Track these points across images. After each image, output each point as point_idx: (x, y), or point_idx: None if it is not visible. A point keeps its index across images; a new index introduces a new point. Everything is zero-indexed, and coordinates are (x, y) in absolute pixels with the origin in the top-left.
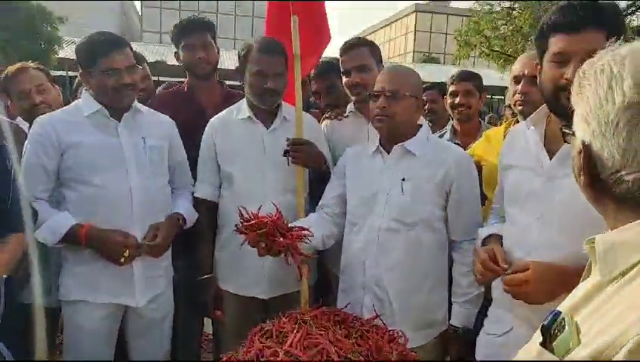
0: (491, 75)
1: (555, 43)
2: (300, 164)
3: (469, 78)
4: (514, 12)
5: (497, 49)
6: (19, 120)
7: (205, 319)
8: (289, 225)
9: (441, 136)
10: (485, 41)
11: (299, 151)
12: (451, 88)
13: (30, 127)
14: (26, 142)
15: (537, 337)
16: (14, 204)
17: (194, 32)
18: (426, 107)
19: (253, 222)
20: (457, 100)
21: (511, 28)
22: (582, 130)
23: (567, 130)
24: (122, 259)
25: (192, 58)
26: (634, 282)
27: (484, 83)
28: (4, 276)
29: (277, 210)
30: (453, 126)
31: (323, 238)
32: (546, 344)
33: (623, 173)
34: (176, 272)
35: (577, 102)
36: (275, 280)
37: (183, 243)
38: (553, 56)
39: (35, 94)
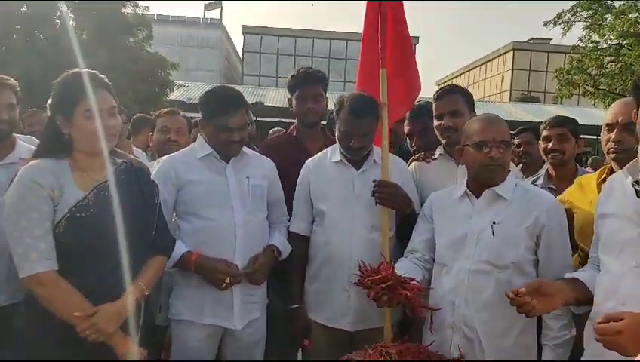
0: (597, 115)
1: None
2: (385, 204)
3: (563, 123)
4: (622, 49)
5: (604, 87)
6: (135, 150)
7: None
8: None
9: (535, 181)
10: (590, 80)
11: (384, 192)
12: (544, 133)
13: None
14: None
15: None
16: (158, 231)
17: (307, 84)
18: (521, 149)
19: (376, 277)
20: (550, 146)
21: (619, 65)
22: None
23: None
24: (223, 285)
25: (302, 107)
26: None
27: (589, 123)
28: (147, 293)
29: (387, 262)
30: (547, 171)
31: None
32: None
33: None
34: (270, 302)
35: None
36: (360, 313)
37: (277, 274)
38: None
39: (173, 133)
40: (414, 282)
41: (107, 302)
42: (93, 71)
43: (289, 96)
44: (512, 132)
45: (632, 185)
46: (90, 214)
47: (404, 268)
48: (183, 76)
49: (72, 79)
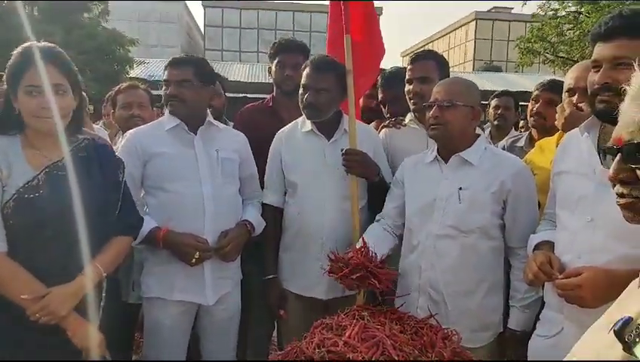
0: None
1: (594, 51)
2: (353, 173)
3: (555, 88)
4: (581, 16)
5: (563, 55)
6: (97, 128)
7: None
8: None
9: (515, 142)
10: (550, 47)
11: (352, 161)
12: (535, 93)
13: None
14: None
15: (612, 343)
16: (123, 210)
17: (287, 52)
18: (499, 112)
19: (346, 270)
20: (536, 108)
21: (578, 32)
22: None
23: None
24: (193, 260)
25: (280, 75)
26: None
27: None
28: (104, 275)
29: (364, 243)
30: (530, 133)
31: (387, 254)
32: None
33: None
34: (245, 276)
35: None
36: (333, 282)
37: (252, 247)
38: (591, 63)
39: (135, 108)
40: (381, 263)
41: (60, 284)
42: (49, 44)
43: (269, 65)
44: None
45: (599, 151)
46: (39, 195)
47: (375, 235)
48: (143, 53)
49: (20, 51)
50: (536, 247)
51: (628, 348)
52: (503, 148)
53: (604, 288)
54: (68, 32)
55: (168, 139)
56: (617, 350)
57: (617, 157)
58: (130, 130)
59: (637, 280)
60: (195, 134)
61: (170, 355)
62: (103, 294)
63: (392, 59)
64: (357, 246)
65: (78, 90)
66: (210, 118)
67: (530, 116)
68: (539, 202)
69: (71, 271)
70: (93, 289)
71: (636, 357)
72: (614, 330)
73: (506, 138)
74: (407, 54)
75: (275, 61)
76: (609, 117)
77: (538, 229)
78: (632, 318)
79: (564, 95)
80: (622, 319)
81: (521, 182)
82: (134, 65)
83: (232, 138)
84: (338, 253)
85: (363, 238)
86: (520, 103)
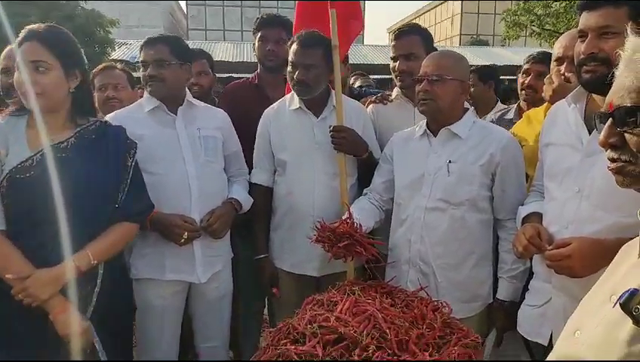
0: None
1: (580, 21)
2: (341, 150)
3: (545, 60)
4: None
5: (549, 27)
6: None
7: None
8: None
9: (504, 114)
10: (536, 20)
11: (339, 138)
12: (525, 67)
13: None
14: None
15: (620, 318)
16: (129, 195)
17: (270, 27)
18: None
19: (333, 238)
20: (527, 81)
21: (564, 5)
22: None
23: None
24: (182, 240)
25: (263, 50)
26: None
27: None
28: (94, 262)
29: (350, 213)
30: (519, 105)
31: (372, 227)
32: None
33: None
34: (236, 256)
35: None
36: (325, 258)
37: (243, 226)
38: (577, 33)
39: (110, 90)
40: (378, 242)
41: (49, 267)
42: (50, 25)
43: (254, 41)
44: None
45: (586, 122)
46: (30, 176)
47: (361, 208)
48: (124, 34)
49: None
50: (525, 219)
51: (637, 321)
52: (492, 122)
53: (592, 257)
54: (45, 13)
55: (149, 121)
56: (627, 325)
57: (608, 122)
58: (110, 115)
59: (629, 248)
60: (176, 114)
61: (163, 336)
62: (98, 281)
63: (380, 35)
64: (343, 217)
65: (77, 69)
66: (189, 97)
67: (522, 90)
68: (526, 174)
69: (58, 255)
70: (83, 276)
71: None
72: (620, 303)
73: (493, 111)
74: (393, 30)
75: (258, 36)
76: (595, 87)
77: (526, 201)
78: (639, 290)
79: (553, 64)
80: (627, 291)
81: (509, 155)
82: (116, 47)
83: (213, 116)
84: (325, 222)
85: (349, 209)
86: (507, 77)
